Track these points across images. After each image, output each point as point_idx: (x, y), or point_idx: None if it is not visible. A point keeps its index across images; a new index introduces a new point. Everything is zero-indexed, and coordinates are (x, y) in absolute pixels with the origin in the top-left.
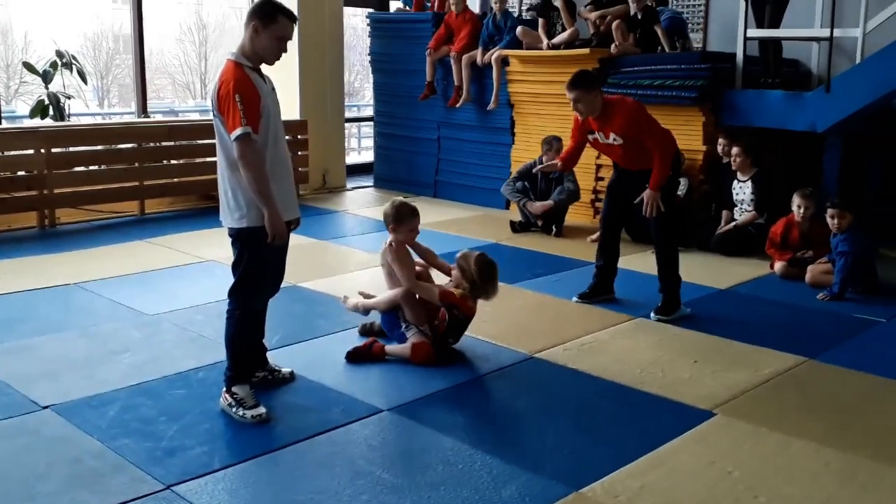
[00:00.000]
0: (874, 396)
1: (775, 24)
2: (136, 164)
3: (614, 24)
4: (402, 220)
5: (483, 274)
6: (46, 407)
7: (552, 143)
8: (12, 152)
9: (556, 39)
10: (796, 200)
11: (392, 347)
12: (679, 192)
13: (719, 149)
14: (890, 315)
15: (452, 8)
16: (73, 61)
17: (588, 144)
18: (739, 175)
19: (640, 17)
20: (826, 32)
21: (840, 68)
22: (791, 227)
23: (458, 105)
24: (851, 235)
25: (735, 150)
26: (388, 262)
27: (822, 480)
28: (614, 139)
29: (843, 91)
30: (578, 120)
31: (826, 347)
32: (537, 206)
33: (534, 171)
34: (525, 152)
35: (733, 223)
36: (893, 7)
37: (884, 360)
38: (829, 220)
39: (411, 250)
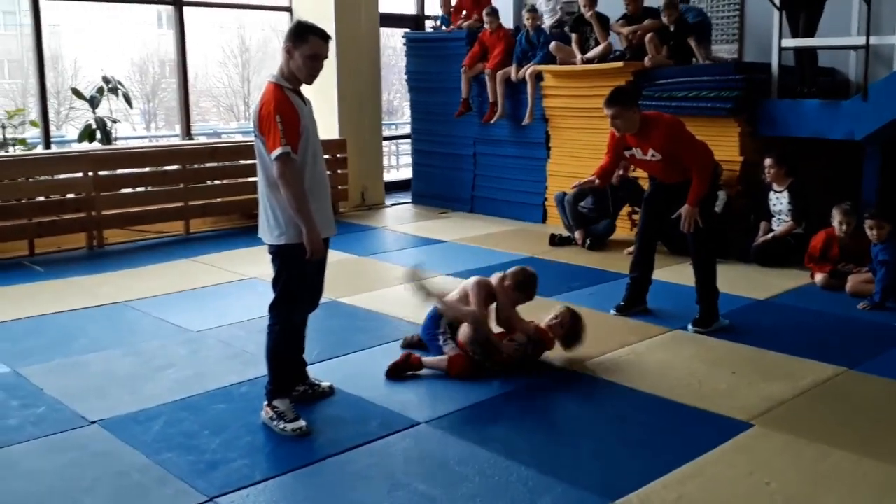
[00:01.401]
0: None
1: (810, 33)
2: (181, 185)
3: (647, 37)
4: (524, 289)
5: (578, 332)
6: (94, 422)
7: None
8: (62, 175)
9: (590, 54)
10: (837, 216)
11: (429, 360)
12: (716, 208)
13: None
14: None
15: (486, 26)
16: (120, 86)
17: (625, 160)
18: (775, 186)
19: (672, 29)
20: (862, 40)
21: (878, 76)
22: (832, 241)
23: (492, 121)
24: (891, 245)
25: (767, 161)
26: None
27: (861, 491)
28: (652, 155)
29: (881, 98)
30: (615, 135)
31: (866, 357)
32: (578, 237)
33: (571, 187)
34: (561, 166)
35: (771, 234)
36: None
37: None
38: (867, 230)
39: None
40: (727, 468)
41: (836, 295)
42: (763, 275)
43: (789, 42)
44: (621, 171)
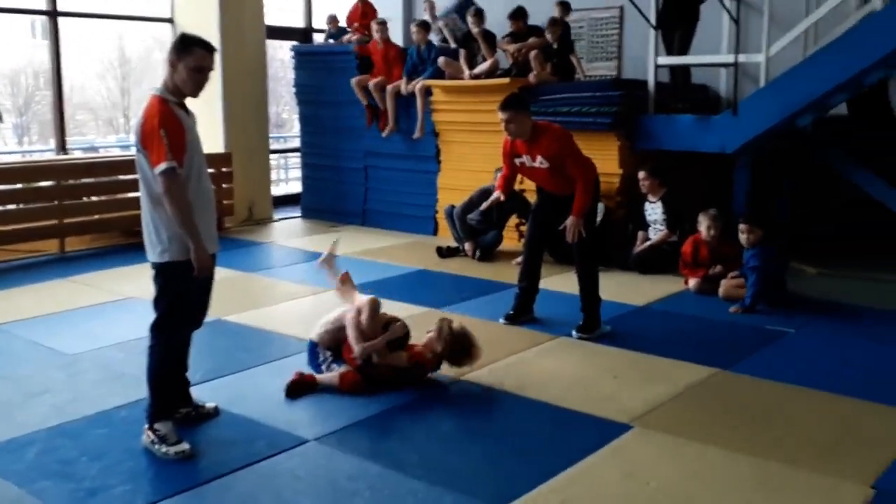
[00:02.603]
0: (785, 404)
1: (684, 51)
2: (56, 202)
3: (532, 54)
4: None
5: (464, 342)
6: None
7: None
8: None
9: (477, 69)
10: (703, 222)
11: (322, 376)
12: (597, 219)
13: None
14: (799, 325)
15: (376, 35)
16: None
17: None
18: (650, 197)
19: (555, 46)
20: (731, 58)
21: (746, 92)
22: (699, 245)
23: (385, 134)
24: (762, 250)
25: (641, 174)
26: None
27: (737, 487)
28: (541, 162)
29: (750, 113)
30: (507, 147)
31: (739, 358)
32: (468, 249)
33: (482, 208)
34: (451, 179)
35: (648, 243)
36: (793, 33)
37: (793, 369)
38: (740, 235)
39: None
40: (610, 469)
41: (710, 299)
42: (641, 282)
43: (664, 60)
44: None
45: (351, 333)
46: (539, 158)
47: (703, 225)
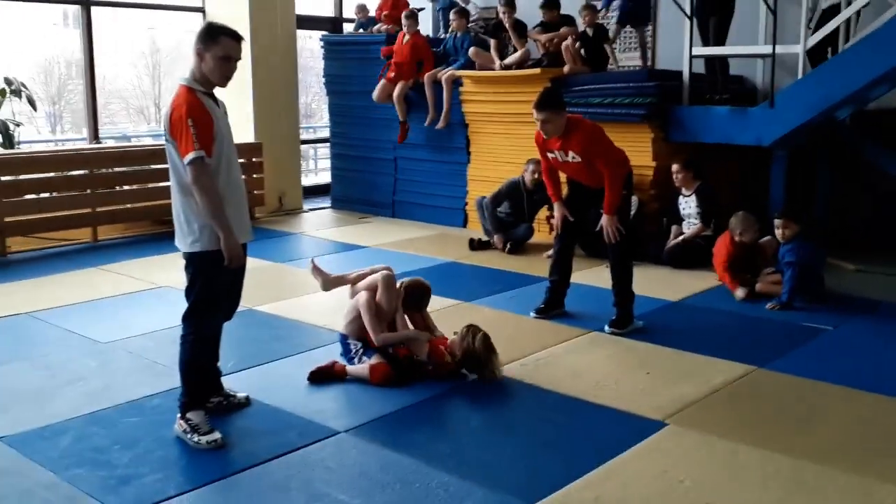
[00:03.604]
0: (821, 403)
1: (721, 42)
2: (88, 191)
3: (563, 46)
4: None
5: (485, 353)
6: None
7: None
8: None
9: (508, 60)
10: (736, 227)
11: (352, 368)
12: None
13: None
14: (837, 323)
15: (404, 27)
16: (23, 88)
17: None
18: (684, 190)
19: (590, 34)
20: (769, 49)
21: (784, 83)
22: (736, 248)
23: (426, 124)
24: (798, 246)
25: (675, 166)
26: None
27: (771, 486)
28: (573, 157)
29: (787, 106)
30: (539, 141)
31: (775, 356)
32: (497, 241)
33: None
34: (481, 171)
35: (682, 237)
36: (832, 23)
37: (830, 368)
38: (776, 230)
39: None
40: (643, 467)
41: None
42: (675, 276)
43: (700, 50)
44: (536, 176)
45: (367, 319)
46: (571, 153)
47: (737, 231)
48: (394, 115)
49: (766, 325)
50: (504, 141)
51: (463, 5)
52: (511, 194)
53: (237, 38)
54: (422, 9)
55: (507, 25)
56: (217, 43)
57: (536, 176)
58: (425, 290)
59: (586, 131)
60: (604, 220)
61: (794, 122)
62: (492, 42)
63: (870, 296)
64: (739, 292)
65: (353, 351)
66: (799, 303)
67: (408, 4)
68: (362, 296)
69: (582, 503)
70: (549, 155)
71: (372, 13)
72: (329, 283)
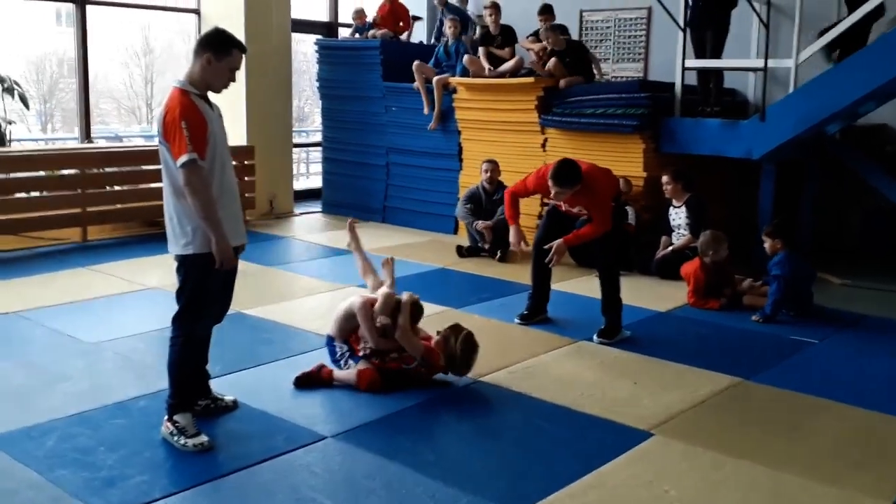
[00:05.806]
0: (806, 415)
1: (717, 54)
2: (79, 191)
3: (551, 62)
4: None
5: (464, 355)
6: None
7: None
8: None
9: (502, 68)
10: (706, 248)
11: (339, 373)
12: (629, 221)
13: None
14: (822, 336)
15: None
16: (15, 86)
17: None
18: (674, 201)
19: (567, 58)
20: (761, 63)
21: (775, 97)
22: (706, 270)
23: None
24: (785, 259)
25: (664, 178)
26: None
27: (754, 497)
28: (580, 210)
29: (778, 119)
30: (543, 185)
31: (761, 368)
32: (481, 224)
33: (477, 227)
34: (473, 178)
35: (671, 247)
36: (824, 39)
37: (815, 380)
38: (764, 243)
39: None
40: (628, 476)
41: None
42: (663, 287)
43: (692, 62)
44: (489, 174)
45: (364, 326)
46: (579, 207)
47: (708, 251)
48: (386, 121)
49: (753, 337)
50: (497, 148)
51: (475, 20)
52: (471, 197)
53: (244, 50)
54: (419, 18)
55: (491, 29)
56: (229, 55)
57: (489, 174)
58: (421, 308)
59: (599, 195)
60: (556, 242)
61: (785, 135)
62: (480, 50)
63: (855, 310)
64: (716, 305)
65: (339, 353)
66: (785, 316)
67: (408, 13)
68: (357, 299)
69: None
70: (551, 202)
71: (370, 18)
72: (356, 250)
